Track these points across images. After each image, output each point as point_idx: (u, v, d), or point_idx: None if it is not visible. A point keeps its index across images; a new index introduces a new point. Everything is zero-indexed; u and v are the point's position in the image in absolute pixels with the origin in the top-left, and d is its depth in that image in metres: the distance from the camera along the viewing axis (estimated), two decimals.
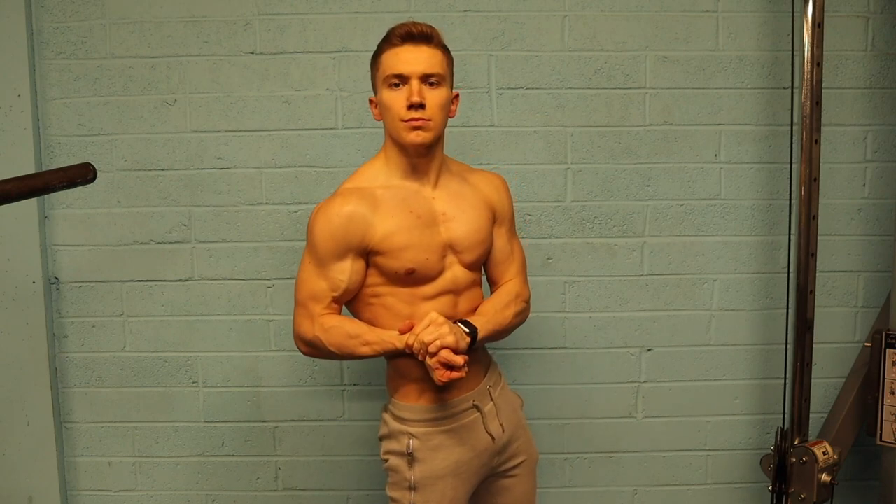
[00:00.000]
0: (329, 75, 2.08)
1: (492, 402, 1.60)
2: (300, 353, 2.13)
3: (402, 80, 1.44)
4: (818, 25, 1.80)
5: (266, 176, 2.10)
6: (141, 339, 2.15)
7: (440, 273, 1.52)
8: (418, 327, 1.43)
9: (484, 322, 1.51)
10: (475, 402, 1.57)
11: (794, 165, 1.91)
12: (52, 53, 2.07)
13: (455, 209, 1.54)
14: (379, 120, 1.53)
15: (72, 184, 1.47)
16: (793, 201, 1.89)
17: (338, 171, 2.09)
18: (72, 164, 1.55)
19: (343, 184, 1.55)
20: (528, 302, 1.65)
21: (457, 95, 1.55)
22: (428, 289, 1.51)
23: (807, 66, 1.81)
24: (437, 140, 1.49)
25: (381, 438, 1.61)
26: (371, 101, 1.54)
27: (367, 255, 1.49)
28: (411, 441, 1.53)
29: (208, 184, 2.11)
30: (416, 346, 1.41)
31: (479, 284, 1.62)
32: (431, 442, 1.53)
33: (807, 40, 1.80)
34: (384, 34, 1.48)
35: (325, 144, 2.09)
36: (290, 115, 2.09)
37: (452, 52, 1.54)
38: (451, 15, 2.04)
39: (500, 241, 1.64)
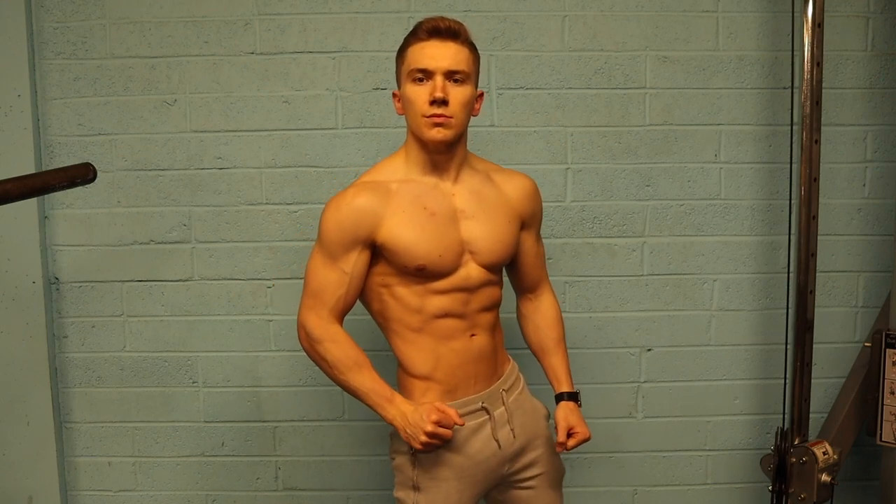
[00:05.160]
0: (329, 75, 2.08)
1: (503, 407, 1.58)
2: (300, 353, 2.15)
3: (427, 74, 1.43)
4: (818, 25, 1.80)
5: (266, 176, 2.10)
6: (141, 339, 2.15)
7: (455, 270, 1.50)
8: (571, 441, 1.56)
9: (570, 376, 1.67)
10: (484, 405, 1.55)
11: (794, 165, 1.91)
12: (52, 53, 2.07)
13: (475, 207, 1.52)
14: (401, 114, 1.51)
15: (72, 184, 1.47)
16: (793, 201, 1.89)
17: (338, 171, 2.09)
18: (72, 164, 1.55)
19: (361, 176, 1.55)
20: (558, 302, 1.76)
21: (481, 94, 1.54)
22: (439, 284, 1.49)
23: (807, 66, 1.81)
24: (458, 138, 1.48)
25: (391, 436, 1.60)
26: (395, 95, 1.53)
27: (375, 247, 1.49)
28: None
29: (208, 184, 2.11)
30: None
31: (497, 283, 1.59)
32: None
33: (807, 40, 1.80)
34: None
35: (325, 144, 2.09)
36: (290, 115, 2.09)
37: None
38: (451, 15, 2.01)
39: (528, 243, 1.64)
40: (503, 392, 1.59)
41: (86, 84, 2.08)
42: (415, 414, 1.43)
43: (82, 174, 1.49)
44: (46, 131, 2.09)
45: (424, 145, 1.48)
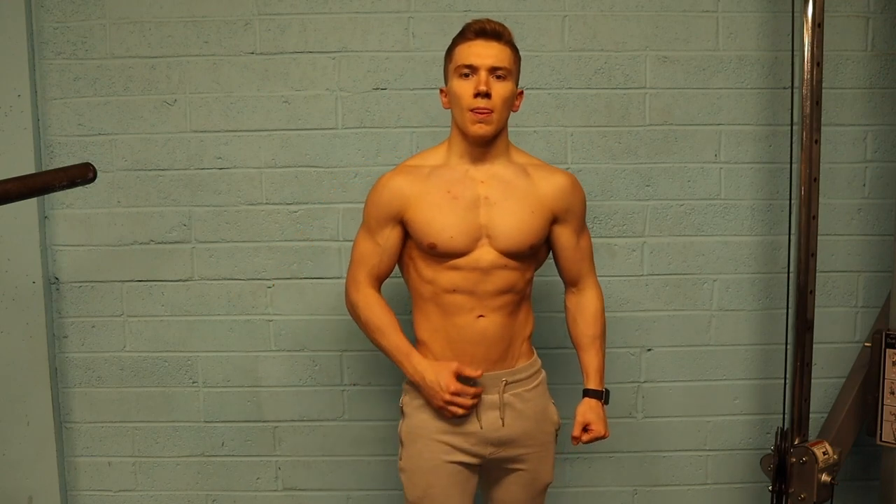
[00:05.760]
0: (329, 75, 2.08)
1: (498, 395, 1.62)
2: (300, 353, 2.16)
3: (472, 70, 1.54)
4: (818, 25, 1.80)
5: (266, 176, 2.10)
6: (141, 339, 2.15)
7: (468, 252, 1.58)
8: (589, 435, 1.67)
9: (601, 374, 1.71)
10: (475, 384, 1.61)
11: (794, 165, 1.91)
12: (52, 53, 2.07)
13: (500, 195, 1.60)
14: (447, 108, 1.63)
15: (72, 184, 1.47)
16: (793, 201, 1.89)
17: (338, 171, 2.09)
18: (72, 164, 1.56)
19: (406, 160, 1.69)
20: (603, 298, 1.77)
21: (521, 92, 1.65)
22: (452, 262, 1.59)
23: (807, 66, 1.81)
24: (498, 132, 1.59)
25: (403, 390, 1.74)
26: (441, 91, 1.65)
27: (404, 224, 1.63)
28: (404, 396, 1.69)
29: (208, 184, 2.11)
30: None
31: (516, 269, 1.62)
32: (417, 401, 1.65)
33: (807, 40, 1.80)
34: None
35: (325, 144, 2.09)
36: (290, 115, 2.09)
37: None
38: (451, 15, 2.04)
39: (564, 238, 1.68)
40: (504, 382, 1.62)
41: (86, 84, 2.08)
42: (433, 377, 1.58)
43: (82, 174, 1.49)
44: (46, 131, 2.09)
45: (465, 137, 1.59)
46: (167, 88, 2.08)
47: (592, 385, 1.70)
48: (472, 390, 1.57)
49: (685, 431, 2.20)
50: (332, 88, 2.08)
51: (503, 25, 1.57)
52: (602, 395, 1.69)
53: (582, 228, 1.71)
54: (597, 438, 1.67)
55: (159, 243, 2.13)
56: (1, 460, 2.13)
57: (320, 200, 2.11)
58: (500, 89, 1.54)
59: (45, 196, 2.08)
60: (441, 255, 1.58)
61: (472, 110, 1.53)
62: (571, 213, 1.67)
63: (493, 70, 1.53)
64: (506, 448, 1.64)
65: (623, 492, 2.22)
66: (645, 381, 2.19)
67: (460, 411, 1.57)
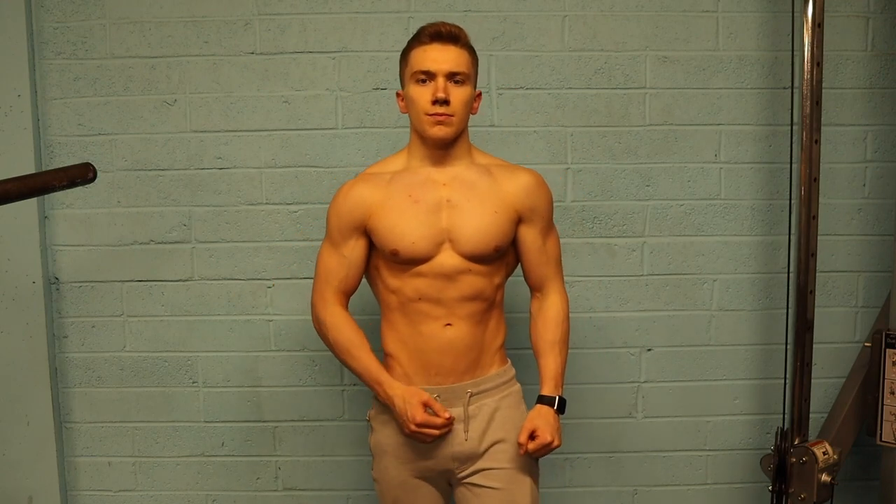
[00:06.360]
0: (329, 75, 2.08)
1: (462, 408, 1.58)
2: (300, 353, 2.16)
3: (429, 76, 1.51)
4: (818, 25, 1.80)
5: (266, 176, 2.10)
6: (141, 339, 2.15)
7: (431, 257, 1.55)
8: (538, 441, 1.54)
9: (558, 381, 1.61)
10: (439, 398, 1.57)
11: (794, 165, 1.91)
12: (52, 53, 2.07)
13: (462, 198, 1.56)
14: (405, 113, 1.60)
15: (72, 184, 1.47)
16: (793, 201, 1.89)
17: (338, 171, 2.09)
18: (72, 164, 1.56)
19: (367, 168, 1.67)
20: (568, 305, 1.68)
21: (479, 94, 1.62)
22: (416, 269, 1.56)
23: (807, 66, 1.81)
24: (458, 135, 1.56)
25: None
26: (398, 95, 1.62)
27: (369, 233, 1.59)
28: (371, 409, 1.68)
29: (208, 184, 2.11)
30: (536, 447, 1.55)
31: (482, 275, 1.57)
32: (383, 416, 1.63)
33: (807, 40, 1.81)
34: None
35: (325, 144, 2.09)
36: (290, 115, 2.09)
37: None
38: (451, 15, 2.04)
39: (529, 239, 1.62)
40: (469, 393, 1.58)
41: (86, 84, 2.08)
42: (402, 405, 1.53)
43: (82, 174, 1.49)
44: (46, 131, 2.09)
45: (425, 140, 1.56)
46: (167, 88, 2.08)
47: (546, 391, 1.60)
48: (439, 421, 1.51)
49: (685, 431, 2.20)
50: (332, 88, 2.08)
51: (459, 27, 1.53)
52: (555, 403, 1.59)
53: (549, 230, 1.65)
54: (544, 446, 1.54)
55: (159, 243, 2.13)
56: (1, 460, 2.13)
57: (320, 200, 2.10)
58: (458, 94, 1.51)
59: (45, 196, 2.07)
60: (404, 262, 1.55)
61: (430, 115, 1.51)
62: (536, 212, 1.61)
63: (450, 75, 1.50)
64: (473, 463, 1.59)
65: (623, 492, 2.22)
66: (645, 381, 2.19)
67: (428, 439, 1.52)
